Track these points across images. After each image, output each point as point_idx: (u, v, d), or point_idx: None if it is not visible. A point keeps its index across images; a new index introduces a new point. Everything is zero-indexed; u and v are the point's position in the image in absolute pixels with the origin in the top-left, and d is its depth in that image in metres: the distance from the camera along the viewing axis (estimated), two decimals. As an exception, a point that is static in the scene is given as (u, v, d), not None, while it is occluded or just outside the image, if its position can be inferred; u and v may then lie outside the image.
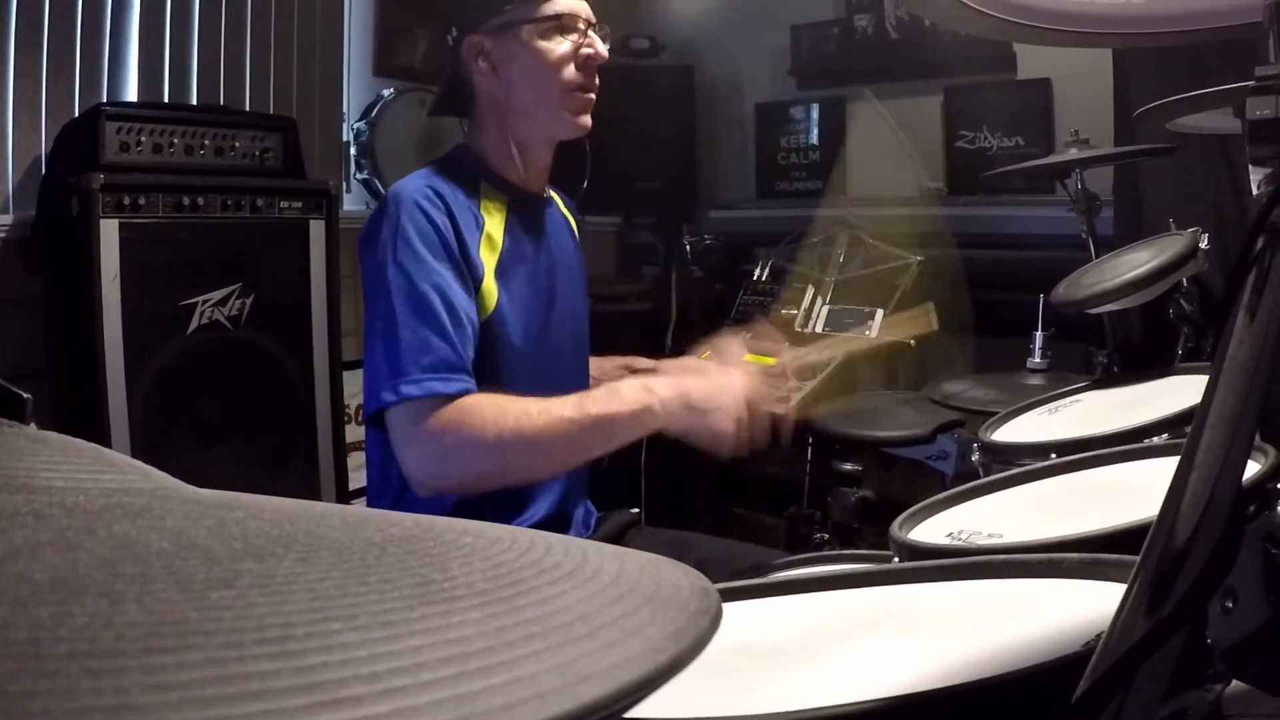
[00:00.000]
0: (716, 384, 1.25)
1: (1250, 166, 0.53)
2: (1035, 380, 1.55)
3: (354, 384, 2.31)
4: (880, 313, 2.63)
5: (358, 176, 2.96)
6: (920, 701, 0.45)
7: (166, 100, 2.45)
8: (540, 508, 1.43)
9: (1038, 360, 1.55)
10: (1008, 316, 2.10)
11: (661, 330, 3.17)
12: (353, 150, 2.95)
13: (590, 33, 1.40)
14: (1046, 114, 3.00)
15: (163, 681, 0.18)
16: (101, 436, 1.91)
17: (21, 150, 2.19)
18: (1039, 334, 1.55)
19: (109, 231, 1.95)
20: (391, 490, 1.37)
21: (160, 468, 0.32)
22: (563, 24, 1.38)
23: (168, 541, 0.24)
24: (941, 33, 3.07)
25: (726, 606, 0.27)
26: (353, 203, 2.96)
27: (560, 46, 1.38)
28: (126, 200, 1.98)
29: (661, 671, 0.22)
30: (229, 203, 2.17)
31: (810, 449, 2.57)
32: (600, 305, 2.11)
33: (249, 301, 2.19)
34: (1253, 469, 0.69)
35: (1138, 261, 1.36)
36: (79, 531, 0.24)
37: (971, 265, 2.64)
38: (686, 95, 3.58)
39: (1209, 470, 0.42)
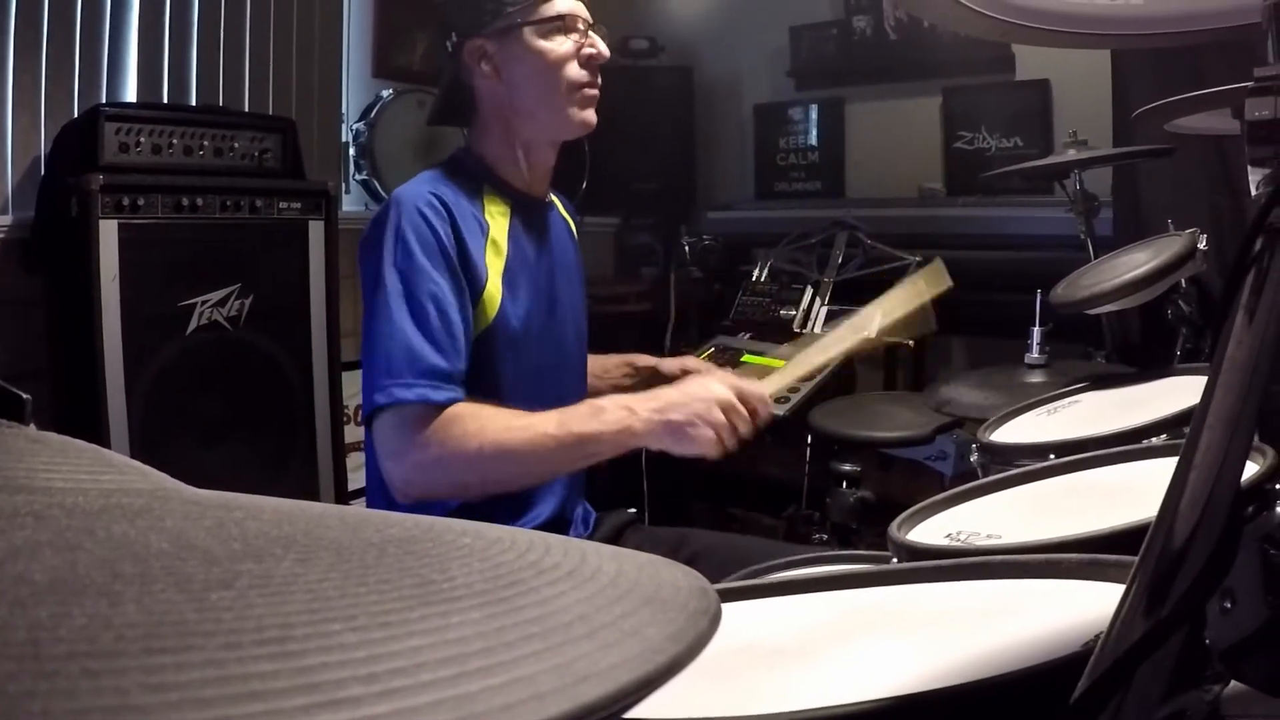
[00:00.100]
0: (693, 395, 1.26)
1: (1249, 167, 0.53)
2: (1033, 378, 1.55)
3: (353, 384, 2.31)
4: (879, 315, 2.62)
5: (357, 177, 2.96)
6: (919, 702, 0.45)
7: (166, 101, 2.46)
8: (543, 510, 1.44)
9: (1035, 355, 1.55)
10: (1006, 318, 2.10)
11: (660, 331, 3.17)
12: (352, 151, 2.96)
13: (590, 33, 1.41)
14: (1045, 115, 3.00)
15: (162, 682, 0.18)
16: (100, 437, 1.91)
17: (21, 151, 2.19)
18: (1036, 329, 1.55)
19: (108, 232, 1.95)
20: (390, 491, 1.37)
21: (159, 468, 0.32)
22: (564, 24, 1.38)
23: (167, 542, 0.24)
24: (940, 34, 3.07)
25: (725, 607, 0.27)
26: (352, 204, 2.96)
27: (562, 46, 1.38)
28: (125, 201, 1.98)
29: (660, 672, 0.22)
30: (228, 203, 2.17)
31: (809, 449, 2.57)
32: (599, 306, 2.11)
33: (248, 302, 2.19)
34: (1251, 470, 0.69)
35: (1136, 262, 1.36)
36: (78, 532, 0.24)
37: (970, 266, 2.64)
38: (685, 96, 3.58)
39: (1208, 471, 0.42)
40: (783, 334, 2.78)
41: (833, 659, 0.58)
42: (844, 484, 2.11)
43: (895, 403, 2.39)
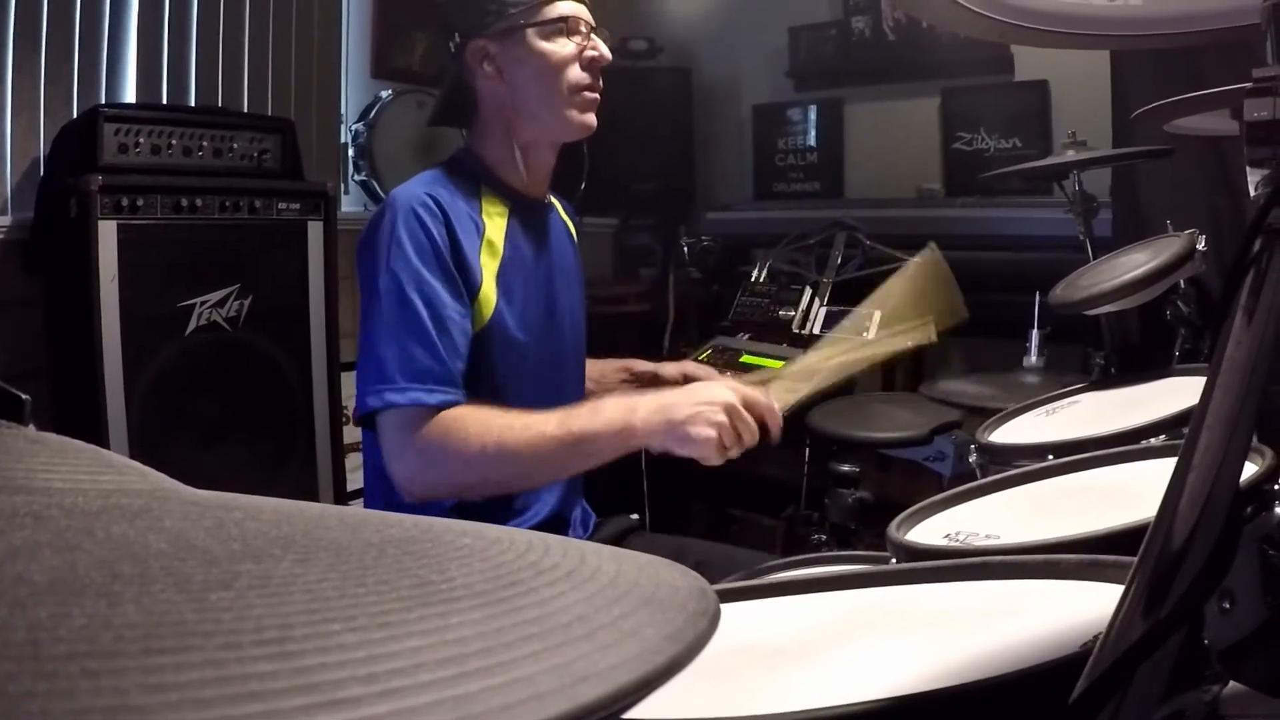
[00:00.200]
0: (696, 397, 1.25)
1: (1248, 168, 0.53)
2: (1031, 379, 1.55)
3: (352, 385, 2.30)
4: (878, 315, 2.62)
5: (356, 178, 2.96)
6: (918, 702, 0.46)
7: (165, 102, 2.45)
8: (541, 509, 1.44)
9: (1034, 359, 1.55)
10: (1005, 319, 2.10)
11: (659, 332, 3.17)
12: (351, 152, 2.95)
13: (593, 36, 1.41)
14: (1044, 116, 3.00)
15: (161, 682, 0.18)
16: (100, 437, 1.91)
17: (20, 151, 2.19)
18: (1035, 332, 1.55)
19: (107, 233, 1.95)
20: (389, 491, 1.37)
21: (158, 469, 0.32)
22: (567, 26, 1.38)
23: (166, 543, 0.24)
24: (939, 34, 3.07)
25: (725, 607, 0.27)
26: (351, 204, 2.96)
27: (565, 48, 1.38)
28: (125, 201, 1.98)
29: (659, 672, 0.22)
30: (227, 204, 2.17)
31: (808, 450, 2.57)
32: (597, 307, 2.11)
33: (247, 303, 2.19)
34: (1250, 470, 0.69)
35: (1135, 263, 1.37)
36: (78, 533, 0.24)
37: (969, 267, 2.64)
38: (684, 97, 3.58)
39: (1206, 471, 0.42)
40: (782, 334, 2.78)
41: (832, 659, 0.58)
42: (843, 485, 2.11)
43: (894, 403, 2.39)
